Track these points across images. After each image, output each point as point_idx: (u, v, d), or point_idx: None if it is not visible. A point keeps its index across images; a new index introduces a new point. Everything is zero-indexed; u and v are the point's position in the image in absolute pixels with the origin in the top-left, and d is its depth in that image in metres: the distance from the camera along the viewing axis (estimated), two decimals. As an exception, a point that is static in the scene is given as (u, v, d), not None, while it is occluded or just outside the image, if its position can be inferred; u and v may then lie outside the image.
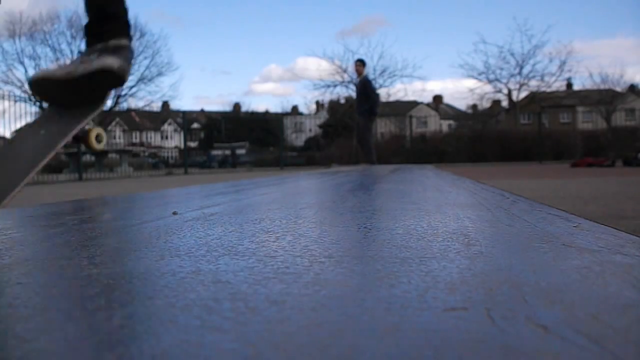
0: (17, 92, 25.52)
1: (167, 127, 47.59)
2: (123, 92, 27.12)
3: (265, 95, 70.73)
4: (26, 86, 27.11)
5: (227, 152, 24.22)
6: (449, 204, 1.20)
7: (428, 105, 43.51)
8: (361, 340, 0.30)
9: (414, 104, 37.58)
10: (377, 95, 9.71)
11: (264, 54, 74.28)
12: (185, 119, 16.82)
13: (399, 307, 0.37)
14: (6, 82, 26.85)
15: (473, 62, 56.22)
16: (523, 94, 30.54)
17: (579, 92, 35.11)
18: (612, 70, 62.32)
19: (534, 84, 29.94)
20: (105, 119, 26.36)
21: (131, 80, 27.38)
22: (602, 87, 32.01)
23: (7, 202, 0.95)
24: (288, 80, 73.88)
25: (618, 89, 32.36)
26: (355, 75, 10.06)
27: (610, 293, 0.41)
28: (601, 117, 26.40)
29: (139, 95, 41.91)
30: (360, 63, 9.41)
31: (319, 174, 4.44)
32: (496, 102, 33.20)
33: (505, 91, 30.10)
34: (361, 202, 1.31)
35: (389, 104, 32.33)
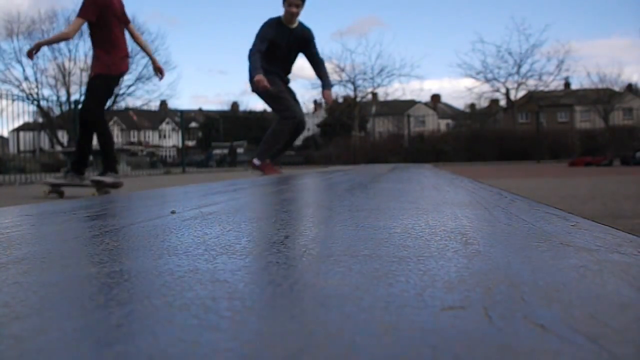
0: (15, 91, 25.48)
1: (165, 126, 47.54)
2: (121, 91, 27.09)
3: (263, 95, 70.49)
4: (24, 85, 27.11)
5: (225, 151, 24.21)
6: (447, 203, 1.20)
7: (426, 104, 43.55)
8: (359, 339, 0.30)
9: (411, 103, 37.61)
10: None
11: (261, 53, 74.01)
12: (183, 118, 16.80)
13: (396, 306, 0.37)
14: (4, 81, 26.81)
15: (471, 61, 56.26)
16: (521, 93, 30.58)
17: (577, 91, 35.18)
18: (610, 69, 62.48)
19: (531, 83, 29.97)
20: (103, 118, 26.28)
21: (129, 79, 27.35)
22: (599, 86, 32.07)
23: None
24: (286, 79, 73.67)
25: (616, 88, 32.44)
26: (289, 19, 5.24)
27: (608, 292, 0.41)
28: (599, 117, 26.46)
29: (137, 95, 41.90)
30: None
31: (317, 173, 4.44)
32: (494, 102, 33.23)
33: (503, 90, 30.11)
34: (359, 200, 1.31)
35: (387, 103, 32.36)
